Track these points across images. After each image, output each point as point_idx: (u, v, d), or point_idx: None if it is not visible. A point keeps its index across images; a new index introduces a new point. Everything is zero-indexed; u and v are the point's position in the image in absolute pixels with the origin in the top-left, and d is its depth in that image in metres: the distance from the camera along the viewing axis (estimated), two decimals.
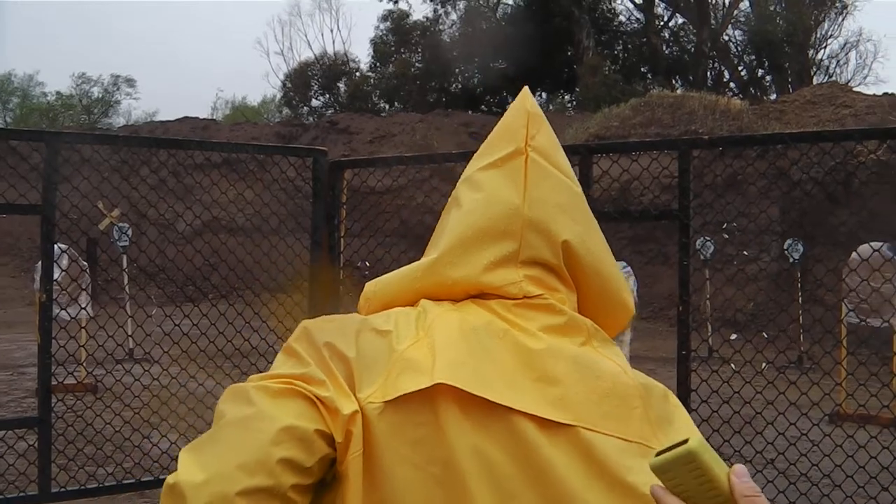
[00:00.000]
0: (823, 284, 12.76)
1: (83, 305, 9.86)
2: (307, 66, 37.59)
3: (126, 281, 12.33)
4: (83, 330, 8.97)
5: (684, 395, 3.82)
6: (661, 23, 33.82)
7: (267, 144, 6.46)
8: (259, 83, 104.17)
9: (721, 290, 13.63)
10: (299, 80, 36.82)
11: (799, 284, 14.10)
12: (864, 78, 33.49)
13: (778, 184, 14.61)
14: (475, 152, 1.79)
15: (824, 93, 19.94)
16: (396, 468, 1.35)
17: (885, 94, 19.51)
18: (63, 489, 4.62)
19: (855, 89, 22.19)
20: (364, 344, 1.44)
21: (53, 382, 4.54)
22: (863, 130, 4.63)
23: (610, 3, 34.30)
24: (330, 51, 39.94)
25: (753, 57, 32.32)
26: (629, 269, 10.05)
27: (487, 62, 32.26)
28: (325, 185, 4.85)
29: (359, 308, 1.64)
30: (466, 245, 1.57)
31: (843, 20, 32.52)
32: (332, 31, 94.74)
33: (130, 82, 43.52)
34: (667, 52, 33.20)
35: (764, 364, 4.13)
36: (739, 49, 33.02)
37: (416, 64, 34.50)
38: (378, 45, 35.54)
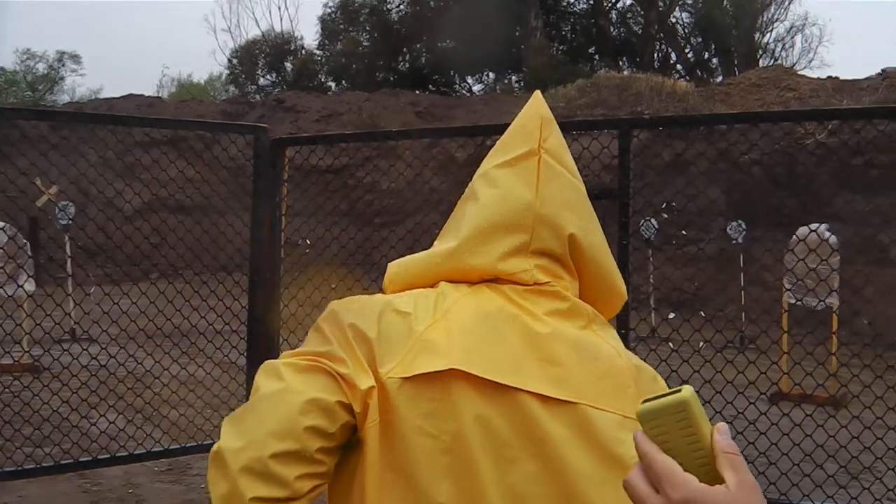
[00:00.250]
0: (764, 266, 12.90)
1: (20, 283, 9.74)
2: (254, 43, 37.25)
3: (68, 260, 12.19)
4: (21, 308, 8.85)
5: None
6: (610, 4, 33.87)
7: (208, 121, 6.39)
8: (206, 60, 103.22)
9: (662, 271, 13.74)
10: (246, 58, 36.51)
11: (741, 265, 14.24)
12: (810, 62, 33.73)
13: (719, 165, 14.70)
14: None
15: (769, 76, 20.08)
16: (411, 436, 1.56)
17: (829, 77, 19.67)
18: (1, 470, 4.56)
19: (800, 73, 22.38)
20: (385, 325, 1.63)
21: None
22: (802, 111, 4.68)
23: None
24: (278, 28, 39.70)
25: (700, 39, 32.49)
26: None
27: (435, 42, 32.17)
28: (267, 163, 4.81)
29: (384, 287, 1.82)
30: (484, 235, 1.75)
31: (789, 4, 32.75)
32: (279, 8, 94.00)
33: (76, 59, 42.88)
34: (615, 33, 33.28)
35: (702, 343, 4.15)
36: (687, 31, 33.19)
37: (365, 43, 34.31)
38: (326, 23, 35.28)
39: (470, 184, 1.90)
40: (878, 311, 9.21)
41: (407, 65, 33.79)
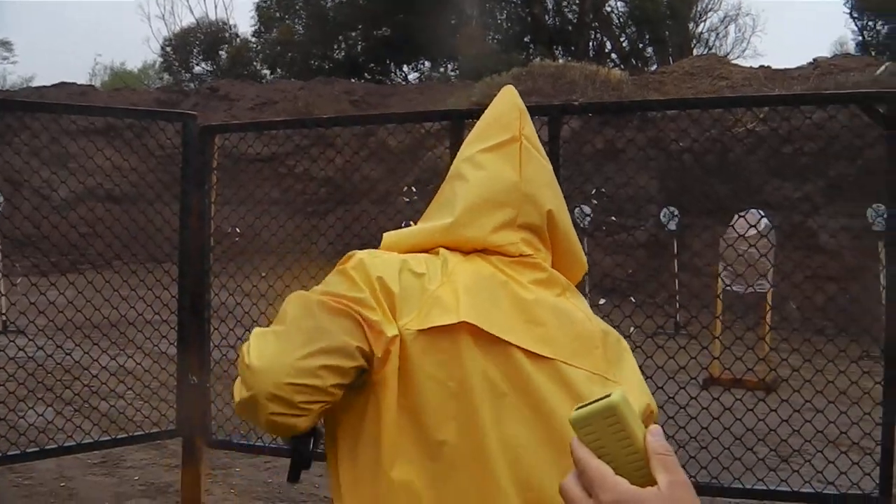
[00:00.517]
0: (696, 252, 13.01)
1: None
2: (189, 31, 36.86)
3: None
4: None
5: None
6: None
7: (137, 108, 6.31)
8: (139, 49, 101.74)
9: (594, 257, 13.81)
10: (180, 46, 36.12)
11: (674, 252, 14.36)
12: (743, 51, 34.03)
13: (651, 153, 14.80)
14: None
15: (703, 65, 20.26)
16: (423, 381, 1.83)
17: (762, 66, 19.88)
18: None
19: (733, 62, 22.60)
20: (405, 282, 1.89)
21: None
22: (730, 98, 4.73)
23: None
24: (212, 16, 39.30)
25: (635, 28, 32.64)
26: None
27: (371, 30, 32.05)
28: (195, 150, 4.76)
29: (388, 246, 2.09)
30: (476, 212, 2.02)
31: None
32: None
33: (7, 45, 42.05)
34: (549, 22, 33.33)
35: (632, 328, 4.18)
36: (621, 20, 33.34)
37: (300, 30, 34.09)
38: (262, 11, 34.99)
39: (454, 167, 2.16)
40: (805, 297, 9.33)
41: (342, 53, 33.61)
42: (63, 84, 25.41)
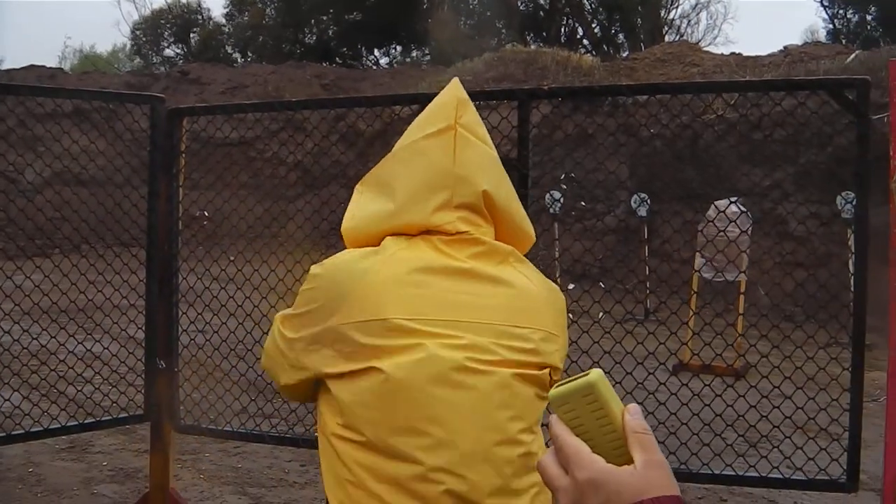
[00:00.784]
0: (666, 238, 13.06)
1: None
2: (159, 13, 36.58)
3: None
4: None
5: None
6: None
7: (104, 91, 6.26)
8: (109, 32, 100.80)
9: (563, 242, 13.83)
10: (151, 29, 35.85)
11: (645, 237, 14.40)
12: (714, 38, 34.13)
13: (622, 138, 14.83)
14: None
15: (674, 51, 20.29)
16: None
17: (733, 53, 19.94)
18: None
19: (704, 49, 22.65)
20: (342, 285, 2.18)
21: None
22: (699, 84, 4.73)
23: None
24: None
25: (606, 15, 32.64)
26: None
27: (342, 14, 31.91)
28: (163, 133, 4.71)
29: (346, 245, 2.37)
30: (417, 197, 2.25)
31: None
32: None
33: None
34: (522, 7, 33.28)
35: (601, 313, 4.18)
36: (593, 6, 33.32)
37: (271, 14, 33.91)
38: None
39: (397, 149, 2.40)
40: (774, 283, 9.38)
41: (314, 37, 33.47)
42: (32, 67, 25.13)
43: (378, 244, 2.26)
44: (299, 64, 26.21)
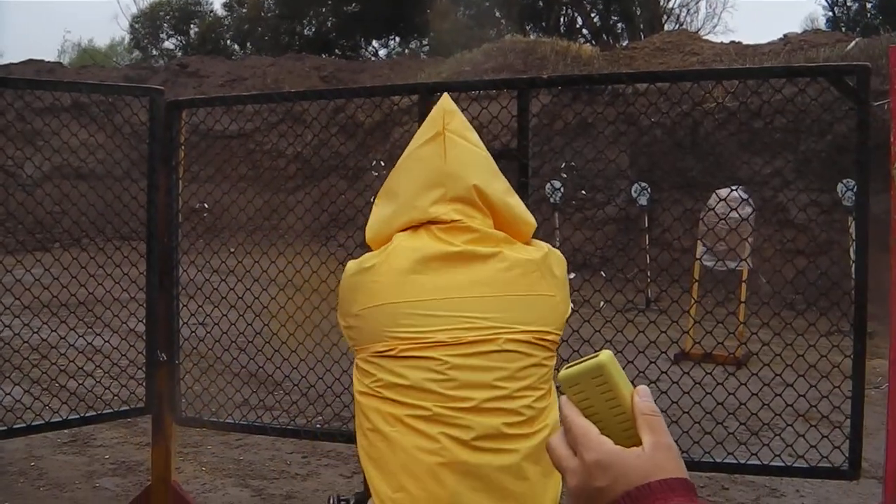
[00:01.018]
0: (668, 228, 13.04)
1: None
2: (158, 5, 36.49)
3: None
4: None
5: None
6: None
7: (103, 83, 6.23)
8: (108, 26, 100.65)
9: (563, 231, 13.81)
10: (150, 22, 35.79)
11: (646, 226, 14.39)
12: (714, 27, 34.11)
13: (622, 127, 14.79)
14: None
15: (673, 40, 20.26)
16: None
17: (733, 42, 19.90)
18: None
19: (704, 38, 22.61)
20: (357, 280, 2.66)
21: None
22: (698, 71, 4.72)
23: None
24: None
25: (602, 6, 32.56)
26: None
27: (341, 5, 31.87)
28: (162, 126, 4.70)
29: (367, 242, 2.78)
30: (416, 195, 2.64)
31: None
32: None
33: None
34: None
35: (602, 302, 4.18)
36: None
37: (270, 6, 33.84)
38: None
39: (400, 161, 2.79)
40: (776, 271, 9.36)
41: (312, 29, 33.43)
42: (31, 61, 25.09)
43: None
44: (298, 56, 26.19)
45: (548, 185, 13.04)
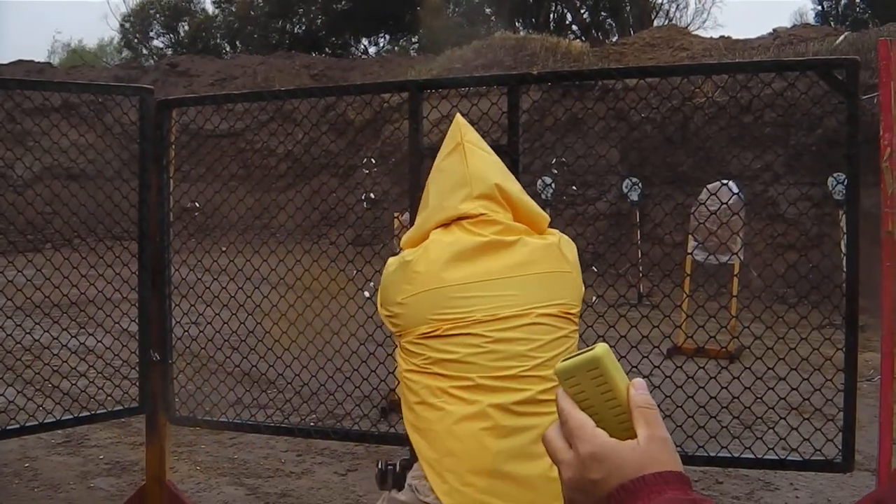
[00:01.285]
0: (659, 223, 13.04)
1: None
2: (149, 3, 36.37)
3: None
4: None
5: None
6: None
7: (93, 83, 6.22)
8: (97, 26, 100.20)
9: (557, 228, 13.79)
10: (139, 21, 35.68)
11: (637, 221, 14.39)
12: (703, 22, 34.11)
13: (612, 123, 14.81)
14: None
15: (663, 35, 20.29)
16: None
17: (722, 37, 19.93)
18: None
19: (693, 33, 22.63)
20: (398, 273, 2.93)
21: None
22: (688, 66, 4.72)
23: None
24: None
25: (592, 1, 32.56)
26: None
27: (331, 3, 31.83)
28: (152, 125, 4.70)
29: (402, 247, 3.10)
30: (446, 197, 2.96)
31: None
32: None
33: None
34: None
35: (594, 298, 4.18)
36: None
37: (259, 4, 33.78)
38: None
39: (430, 175, 3.16)
40: (767, 265, 9.38)
41: (302, 27, 33.39)
42: (20, 62, 25.01)
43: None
44: (288, 54, 26.17)
45: (539, 182, 13.05)
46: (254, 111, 18.46)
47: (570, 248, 3.03)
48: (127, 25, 36.33)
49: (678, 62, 17.40)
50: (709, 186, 8.37)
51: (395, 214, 7.21)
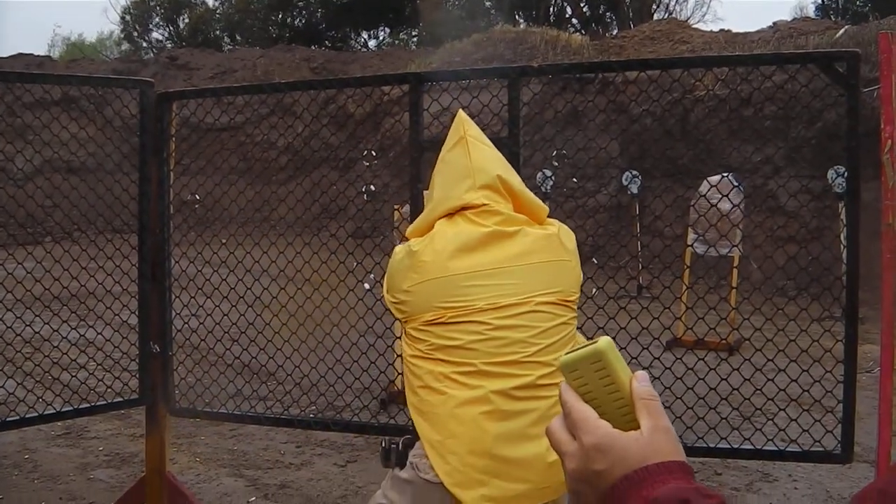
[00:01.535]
0: (659, 215, 13.04)
1: None
2: None
3: None
4: None
5: None
6: None
7: (93, 76, 6.22)
8: (98, 19, 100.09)
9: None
10: (138, 14, 35.62)
11: (637, 214, 14.39)
12: (703, 15, 34.15)
13: (613, 116, 14.79)
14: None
15: (663, 29, 20.23)
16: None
17: (722, 30, 19.89)
18: None
19: (693, 26, 22.58)
20: (404, 262, 3.06)
21: None
22: (688, 59, 4.73)
23: None
24: None
25: None
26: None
27: None
28: (152, 118, 4.70)
29: (407, 235, 3.22)
30: (450, 188, 3.08)
31: None
32: None
33: None
34: None
35: (594, 290, 4.19)
36: None
37: None
38: None
39: (436, 164, 3.24)
40: (767, 257, 9.40)
41: (302, 20, 33.35)
42: (20, 55, 24.97)
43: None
44: (288, 47, 26.12)
45: (539, 174, 13.05)
46: (254, 104, 18.46)
47: (568, 237, 3.14)
48: (127, 18, 36.26)
49: (678, 55, 17.37)
50: (709, 179, 8.37)
51: (395, 207, 7.23)
